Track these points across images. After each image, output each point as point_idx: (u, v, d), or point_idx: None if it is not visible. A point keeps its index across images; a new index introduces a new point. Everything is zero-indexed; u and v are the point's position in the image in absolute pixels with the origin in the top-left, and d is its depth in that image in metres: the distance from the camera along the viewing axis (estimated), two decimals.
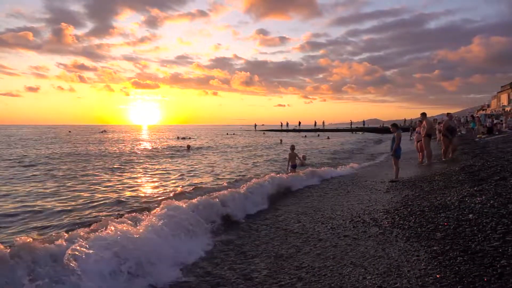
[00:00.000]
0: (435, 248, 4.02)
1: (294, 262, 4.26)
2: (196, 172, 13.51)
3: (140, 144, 33.07)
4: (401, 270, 3.61)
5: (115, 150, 24.22)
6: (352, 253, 4.35)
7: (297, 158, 12.43)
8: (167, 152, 22.68)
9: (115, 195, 8.68)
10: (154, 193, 9.24)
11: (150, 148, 27.01)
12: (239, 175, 12.27)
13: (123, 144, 31.42)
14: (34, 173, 12.40)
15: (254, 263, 4.37)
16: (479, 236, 4.08)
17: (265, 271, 4.09)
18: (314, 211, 6.93)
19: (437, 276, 3.33)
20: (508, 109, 44.58)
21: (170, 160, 18.01)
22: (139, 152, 23.15)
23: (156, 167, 15.14)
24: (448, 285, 3.11)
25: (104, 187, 10.07)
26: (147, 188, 10.09)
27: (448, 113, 14.32)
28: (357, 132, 63.34)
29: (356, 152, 22.89)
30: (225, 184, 10.22)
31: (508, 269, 3.15)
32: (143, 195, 8.97)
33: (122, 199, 8.24)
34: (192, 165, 15.96)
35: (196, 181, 10.90)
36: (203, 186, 9.56)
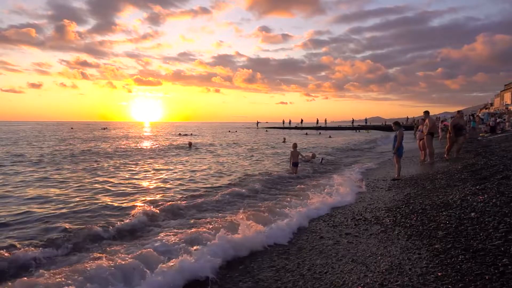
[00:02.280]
0: (436, 246, 4.02)
1: (296, 260, 4.27)
2: (198, 172, 13.46)
3: (142, 141, 33.10)
4: (403, 268, 3.61)
5: (117, 148, 24.19)
6: (353, 250, 4.36)
7: (299, 156, 12.43)
8: (169, 151, 22.64)
9: (120, 198, 8.50)
10: (159, 195, 8.94)
11: (151, 146, 27.03)
12: (244, 176, 11.92)
13: (124, 142, 31.43)
14: (43, 174, 12.20)
15: (255, 261, 4.39)
16: (481, 234, 4.07)
17: (267, 269, 4.10)
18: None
19: (439, 274, 3.33)
20: (511, 108, 44.32)
21: (171, 160, 18.01)
22: (140, 150, 23.15)
23: (158, 167, 15.14)
24: (450, 283, 3.11)
25: (108, 188, 10.01)
26: (152, 190, 9.93)
27: (458, 111, 13.78)
28: (360, 131, 59.81)
29: (366, 150, 22.71)
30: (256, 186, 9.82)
31: (510, 268, 3.15)
32: (150, 198, 8.49)
33: (127, 203, 7.92)
34: (194, 164, 15.94)
35: (199, 184, 10.84)
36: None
